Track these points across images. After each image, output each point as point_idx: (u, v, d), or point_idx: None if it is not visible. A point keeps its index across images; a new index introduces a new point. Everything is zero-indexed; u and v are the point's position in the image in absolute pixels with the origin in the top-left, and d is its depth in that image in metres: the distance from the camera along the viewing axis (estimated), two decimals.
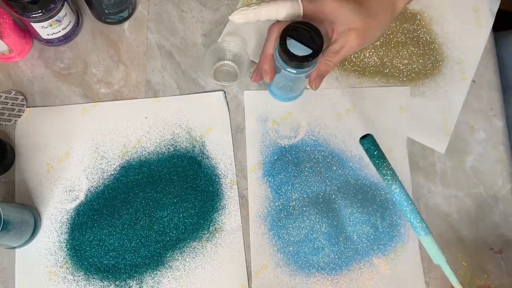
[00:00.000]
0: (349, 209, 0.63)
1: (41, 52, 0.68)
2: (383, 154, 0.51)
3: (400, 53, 0.69)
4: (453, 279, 0.51)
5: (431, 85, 0.70)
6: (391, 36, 0.70)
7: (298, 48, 0.54)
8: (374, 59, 0.69)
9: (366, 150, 0.51)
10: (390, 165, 0.51)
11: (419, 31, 0.71)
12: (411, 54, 0.70)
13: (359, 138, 0.51)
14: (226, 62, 0.68)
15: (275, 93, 0.67)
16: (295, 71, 0.56)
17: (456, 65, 0.71)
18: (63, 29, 0.64)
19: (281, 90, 0.64)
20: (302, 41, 0.54)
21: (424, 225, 0.50)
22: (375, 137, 0.67)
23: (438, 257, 0.51)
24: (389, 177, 0.51)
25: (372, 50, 0.70)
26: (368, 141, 0.51)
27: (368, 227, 0.63)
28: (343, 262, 0.63)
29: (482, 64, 0.71)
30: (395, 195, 0.51)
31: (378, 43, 0.70)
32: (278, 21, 0.56)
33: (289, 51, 0.53)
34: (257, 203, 0.64)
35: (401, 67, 0.69)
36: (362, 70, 0.69)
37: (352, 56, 0.69)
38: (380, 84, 0.69)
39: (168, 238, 0.62)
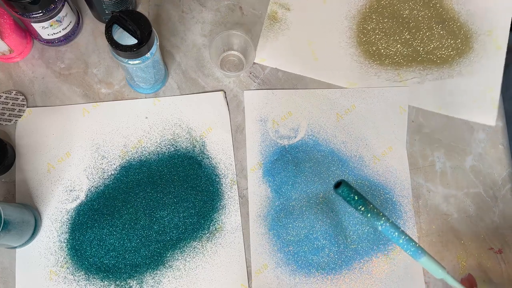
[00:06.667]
0: (349, 209, 0.64)
1: (41, 52, 0.68)
2: (362, 196, 0.45)
3: (430, 38, 0.71)
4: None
5: (465, 62, 0.70)
6: (418, 24, 0.71)
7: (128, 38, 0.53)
8: (407, 49, 0.70)
9: (346, 198, 0.44)
10: (371, 203, 0.45)
11: (441, 14, 0.72)
12: (439, 37, 0.71)
13: (333, 187, 0.44)
14: (232, 52, 0.69)
15: (134, 86, 0.66)
16: (131, 62, 0.55)
17: (487, 37, 0.71)
18: (63, 29, 0.64)
19: (141, 83, 0.64)
20: (128, 31, 0.53)
21: (419, 248, 0.46)
22: (373, 136, 0.68)
23: (439, 272, 0.48)
24: (376, 216, 0.45)
25: (403, 40, 0.71)
26: (344, 188, 0.43)
27: (368, 227, 0.63)
28: (343, 262, 0.63)
29: None
30: (386, 231, 0.46)
31: (407, 33, 0.71)
32: None
33: (114, 40, 0.52)
34: (257, 203, 0.64)
35: (434, 51, 0.70)
36: (398, 63, 0.70)
37: (384, 51, 0.71)
38: (418, 72, 0.70)
39: (169, 238, 0.62)
